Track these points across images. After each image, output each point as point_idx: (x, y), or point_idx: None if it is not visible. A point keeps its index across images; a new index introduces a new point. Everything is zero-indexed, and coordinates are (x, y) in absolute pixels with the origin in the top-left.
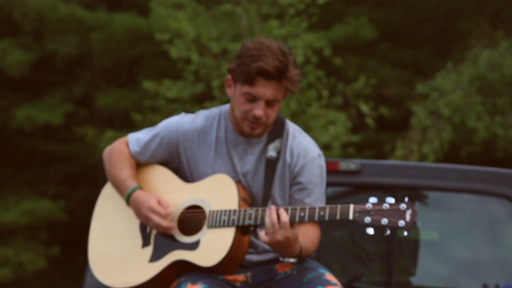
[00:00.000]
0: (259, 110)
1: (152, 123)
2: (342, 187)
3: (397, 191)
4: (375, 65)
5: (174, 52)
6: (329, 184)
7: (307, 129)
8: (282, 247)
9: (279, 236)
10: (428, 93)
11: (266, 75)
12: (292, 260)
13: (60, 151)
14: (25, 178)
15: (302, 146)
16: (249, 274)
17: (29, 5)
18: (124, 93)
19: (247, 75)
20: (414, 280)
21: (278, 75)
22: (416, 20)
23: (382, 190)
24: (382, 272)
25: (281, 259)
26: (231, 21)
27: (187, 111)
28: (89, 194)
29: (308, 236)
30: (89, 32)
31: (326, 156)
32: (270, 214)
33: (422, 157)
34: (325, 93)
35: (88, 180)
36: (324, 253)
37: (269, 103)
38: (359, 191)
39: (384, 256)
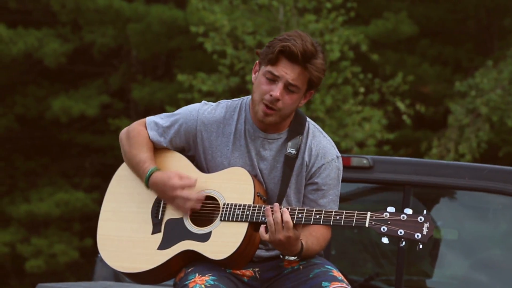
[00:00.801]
0: (276, 91)
1: None
2: (355, 183)
3: (409, 188)
4: (414, 61)
5: (209, 45)
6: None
7: (342, 125)
8: (283, 246)
9: (281, 235)
10: (467, 91)
11: (290, 56)
12: (292, 258)
13: (95, 142)
14: (60, 169)
15: (322, 146)
16: (257, 269)
17: None
18: (159, 86)
19: (272, 54)
20: (429, 281)
21: (302, 58)
22: (458, 17)
23: (394, 187)
24: (390, 271)
25: (281, 256)
26: (268, 14)
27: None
28: None
29: (313, 235)
30: (126, 24)
31: (361, 153)
32: (274, 213)
33: (459, 157)
34: (361, 89)
35: None
36: (338, 251)
37: (288, 88)
38: (371, 187)
39: (392, 255)
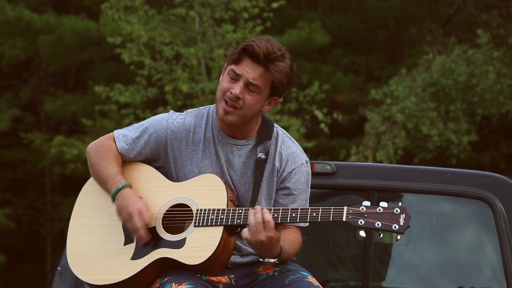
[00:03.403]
0: (237, 88)
1: (103, 128)
2: (318, 189)
3: (373, 193)
4: (328, 70)
5: (126, 56)
6: None
7: None
8: (263, 247)
9: (262, 236)
10: (382, 99)
11: (252, 55)
12: (272, 260)
13: (6, 157)
14: None
15: (291, 152)
16: (232, 276)
17: None
18: (72, 98)
19: (235, 54)
20: (386, 284)
21: (264, 58)
22: (368, 26)
23: (358, 192)
24: (353, 276)
25: (261, 259)
26: (184, 25)
27: (139, 116)
28: (35, 200)
29: (289, 239)
30: (37, 36)
31: None
32: (255, 213)
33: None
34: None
35: (35, 186)
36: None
37: (249, 87)
38: (335, 193)
39: (356, 260)
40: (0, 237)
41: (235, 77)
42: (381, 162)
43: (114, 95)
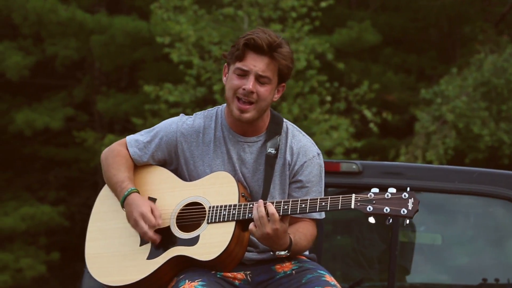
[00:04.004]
0: (249, 84)
1: None
2: (344, 188)
3: None
4: (379, 70)
5: (175, 56)
6: (330, 185)
7: (309, 134)
8: (271, 240)
9: (268, 228)
10: (432, 99)
11: (256, 48)
12: (282, 252)
13: (60, 155)
14: (25, 182)
15: (302, 145)
16: (248, 272)
17: (28, 8)
18: (124, 97)
19: (238, 51)
20: (415, 284)
21: (268, 48)
22: (420, 25)
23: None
24: (383, 276)
25: (271, 253)
26: (233, 24)
27: (188, 115)
28: (89, 199)
29: (301, 231)
30: (89, 36)
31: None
32: (258, 207)
33: (426, 164)
34: (328, 98)
35: (88, 185)
36: (326, 258)
37: (259, 79)
38: (361, 192)
39: (385, 260)
40: (55, 235)
41: (244, 73)
42: (431, 162)
43: (163, 95)
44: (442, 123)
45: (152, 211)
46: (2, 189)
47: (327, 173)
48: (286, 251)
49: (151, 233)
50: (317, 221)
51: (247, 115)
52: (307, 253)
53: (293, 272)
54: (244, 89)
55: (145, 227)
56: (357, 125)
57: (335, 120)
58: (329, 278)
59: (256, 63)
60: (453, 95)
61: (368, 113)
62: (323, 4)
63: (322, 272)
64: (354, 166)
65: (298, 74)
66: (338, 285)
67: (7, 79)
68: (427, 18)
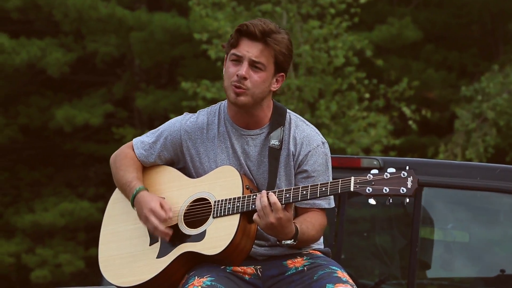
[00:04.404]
0: (242, 69)
1: None
2: None
3: (421, 189)
4: (419, 67)
5: (212, 53)
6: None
7: (347, 131)
8: (275, 229)
9: (271, 218)
10: (473, 96)
11: (249, 34)
12: (288, 242)
13: (99, 152)
14: (64, 178)
15: (305, 135)
16: (259, 266)
17: (69, 5)
18: (163, 94)
19: (233, 38)
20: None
21: (261, 34)
22: (462, 21)
23: None
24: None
25: (278, 243)
26: (271, 21)
27: None
28: None
29: (308, 221)
30: (129, 32)
31: None
32: (261, 197)
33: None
34: (366, 95)
35: None
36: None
37: (254, 65)
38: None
39: (403, 256)
40: (93, 231)
41: (238, 59)
42: (470, 160)
43: (201, 91)
44: (483, 121)
45: (161, 206)
46: (43, 185)
47: (348, 169)
48: (292, 240)
49: (162, 227)
50: (327, 210)
51: (242, 99)
52: (321, 246)
53: (305, 268)
54: (237, 75)
55: (155, 221)
56: (396, 122)
57: (373, 117)
58: (341, 274)
59: (250, 49)
60: (494, 92)
61: (407, 111)
62: (362, 1)
63: (334, 268)
64: (375, 162)
65: (336, 70)
66: (350, 280)
67: (48, 75)
68: (470, 14)
